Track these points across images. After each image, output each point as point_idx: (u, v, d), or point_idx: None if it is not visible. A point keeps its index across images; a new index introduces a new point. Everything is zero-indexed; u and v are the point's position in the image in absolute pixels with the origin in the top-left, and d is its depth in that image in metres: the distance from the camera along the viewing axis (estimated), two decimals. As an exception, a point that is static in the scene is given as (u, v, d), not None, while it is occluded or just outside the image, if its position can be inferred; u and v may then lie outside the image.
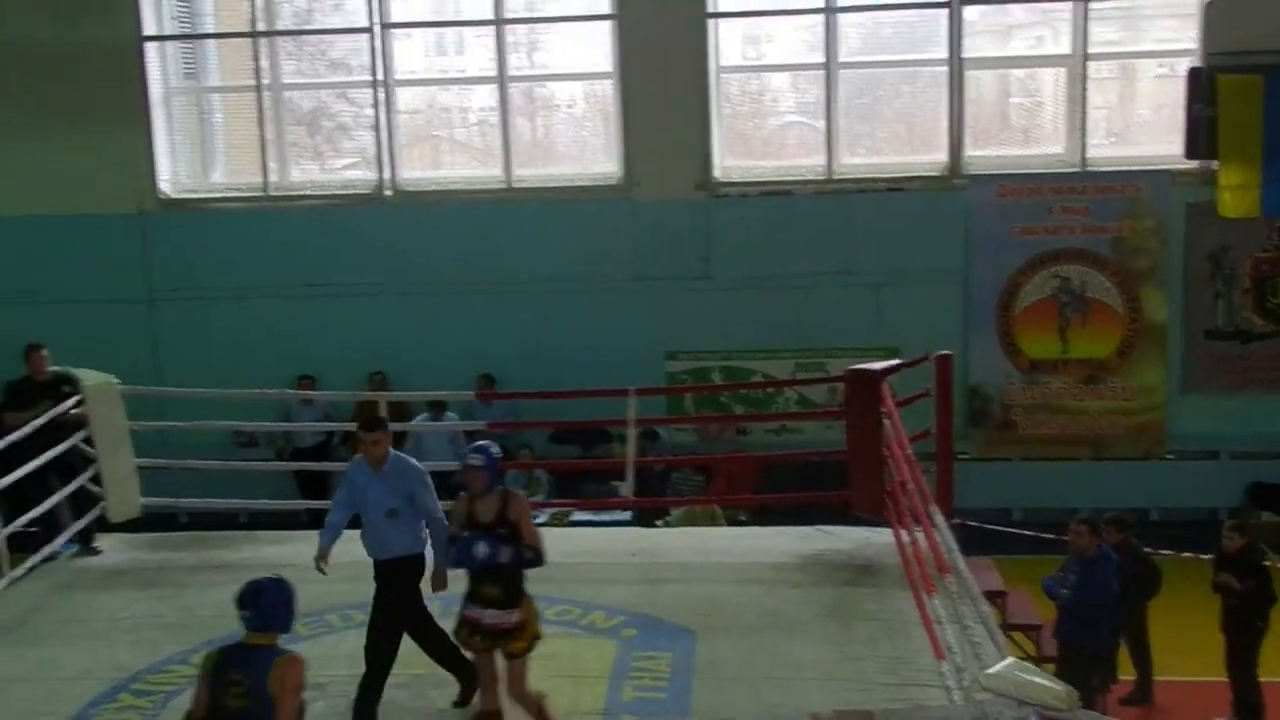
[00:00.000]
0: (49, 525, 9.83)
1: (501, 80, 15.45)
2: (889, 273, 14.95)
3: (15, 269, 15.53)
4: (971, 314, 15.09)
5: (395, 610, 7.42)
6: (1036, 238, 14.91)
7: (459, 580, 7.22)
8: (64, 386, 9.98)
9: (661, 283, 15.22)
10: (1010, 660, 5.01)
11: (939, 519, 7.35)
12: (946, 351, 10.07)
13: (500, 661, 7.05)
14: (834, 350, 14.81)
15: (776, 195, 15.24)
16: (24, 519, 9.40)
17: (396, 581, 7.43)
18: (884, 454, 9.34)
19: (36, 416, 9.57)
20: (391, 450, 7.59)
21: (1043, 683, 4.80)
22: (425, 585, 7.52)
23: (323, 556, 7.65)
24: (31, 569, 9.52)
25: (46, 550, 9.69)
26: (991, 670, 4.89)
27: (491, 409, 13.69)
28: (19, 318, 13.94)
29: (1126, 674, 10.68)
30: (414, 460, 7.72)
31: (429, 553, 7.56)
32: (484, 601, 6.95)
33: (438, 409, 13.65)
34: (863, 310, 15.03)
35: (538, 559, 6.96)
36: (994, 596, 10.26)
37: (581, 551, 10.07)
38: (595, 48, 15.50)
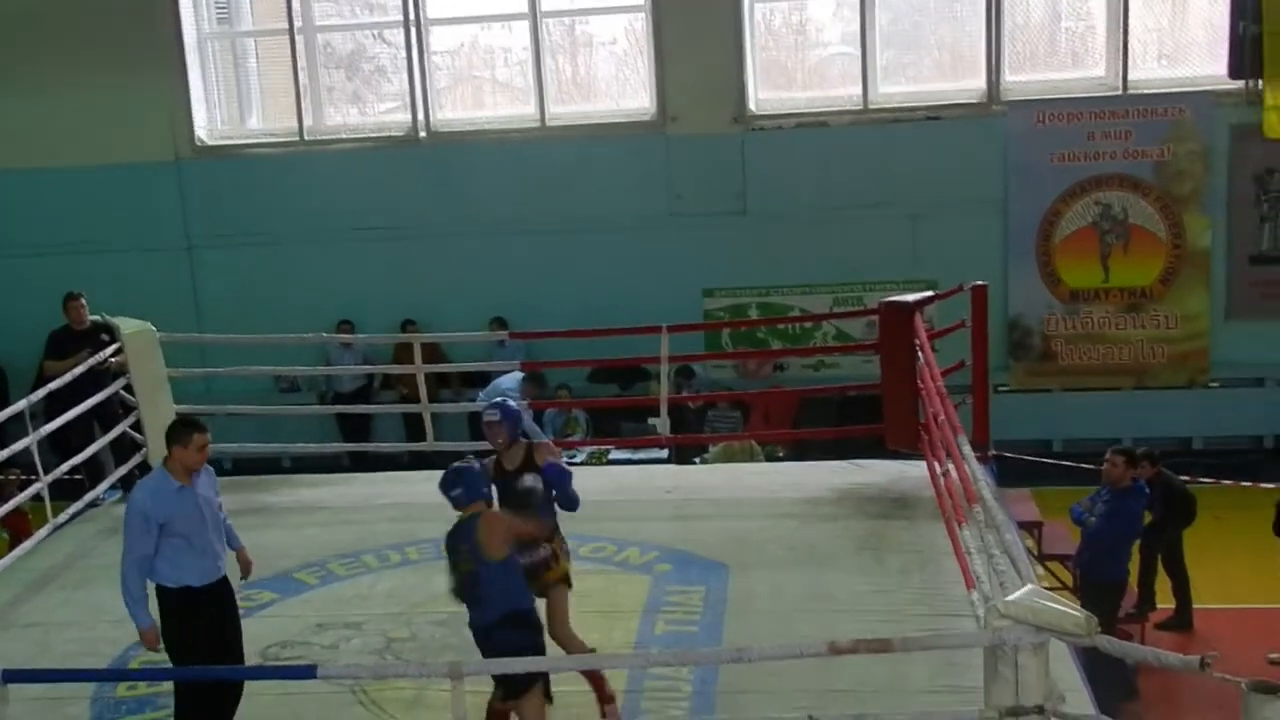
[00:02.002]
0: (92, 472, 9.99)
1: (534, 17, 15.36)
2: (927, 203, 14.81)
3: (55, 220, 15.70)
4: (1011, 244, 14.93)
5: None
6: (1077, 164, 14.70)
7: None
8: (103, 335, 10.08)
9: (697, 219, 15.16)
10: (1030, 588, 5.00)
11: (967, 450, 7.31)
12: (981, 282, 9.99)
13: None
14: (872, 284, 14.74)
15: (812, 127, 15.11)
16: (67, 465, 9.54)
17: (232, 600, 6.72)
18: (918, 387, 9.31)
19: (76, 365, 9.68)
20: None
21: (1060, 609, 4.79)
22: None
23: (156, 637, 6.45)
24: (75, 515, 9.69)
25: (90, 496, 9.84)
26: (1010, 598, 4.88)
27: (505, 350, 13.77)
28: (59, 268, 14.09)
29: (1165, 602, 10.64)
30: None
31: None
32: None
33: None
34: (900, 242, 14.91)
35: (567, 499, 6.93)
36: (1030, 527, 10.28)
37: (617, 489, 10.14)
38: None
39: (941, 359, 9.24)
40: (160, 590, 6.39)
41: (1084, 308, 14.97)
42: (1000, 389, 13.97)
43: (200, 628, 6.40)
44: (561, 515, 7.06)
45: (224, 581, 6.58)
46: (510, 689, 6.11)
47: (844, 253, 15.00)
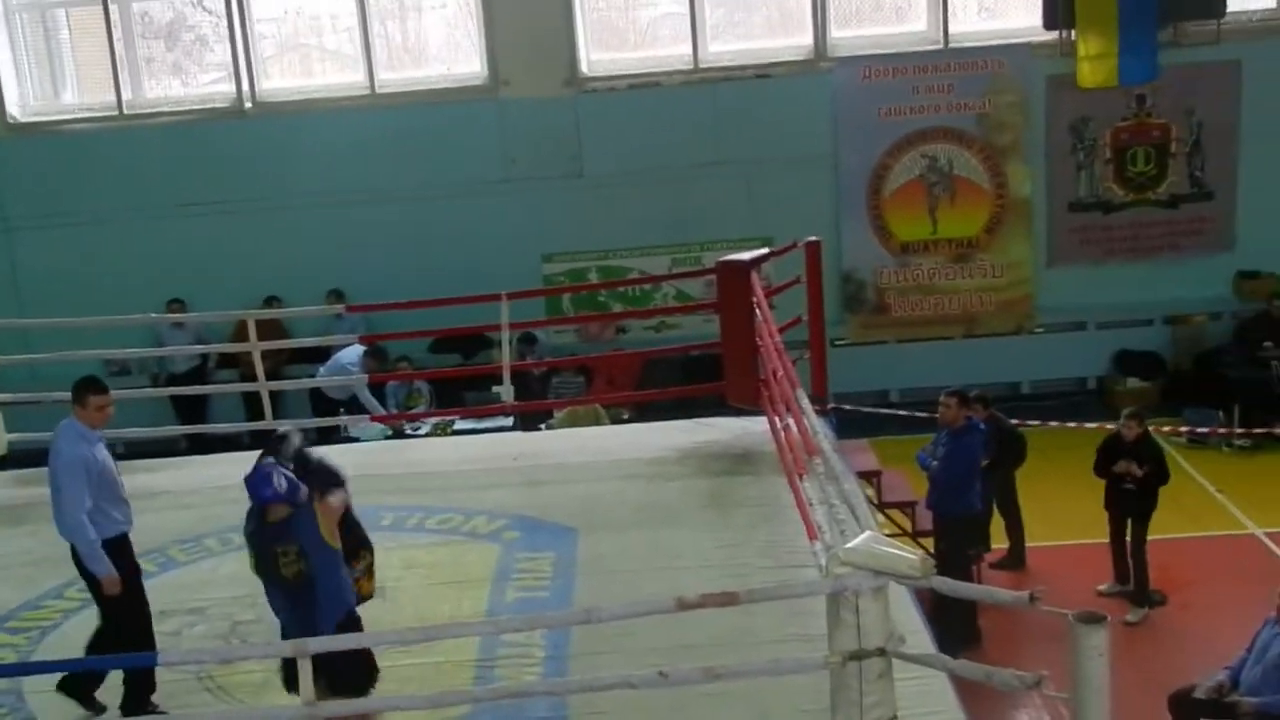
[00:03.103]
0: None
1: (358, -18, 15.07)
2: (759, 161, 15.00)
3: None
4: (842, 199, 15.23)
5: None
6: (903, 118, 15.04)
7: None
8: (-86, 324, 9.66)
9: (534, 183, 15.11)
10: (868, 534, 5.13)
11: (805, 403, 7.45)
12: (815, 238, 10.15)
13: None
14: (709, 243, 14.87)
15: (645, 88, 15.15)
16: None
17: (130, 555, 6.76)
18: (757, 344, 9.43)
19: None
20: None
21: (896, 553, 4.93)
22: None
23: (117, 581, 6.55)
24: (-104, 512, 9.28)
25: (-90, 494, 9.44)
26: (849, 545, 5.00)
27: (343, 322, 13.58)
28: None
29: (1000, 542, 11.02)
30: None
31: None
32: None
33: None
34: (735, 201, 15.08)
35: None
36: (869, 476, 10.52)
37: (463, 459, 10.11)
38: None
39: (779, 315, 9.34)
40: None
41: (914, 259, 15.36)
42: (837, 343, 14.26)
43: (129, 576, 6.54)
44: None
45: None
46: (346, 689, 5.71)
47: (680, 213, 15.11)
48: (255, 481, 5.80)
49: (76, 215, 15.12)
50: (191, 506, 9.38)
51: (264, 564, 5.84)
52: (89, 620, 7.37)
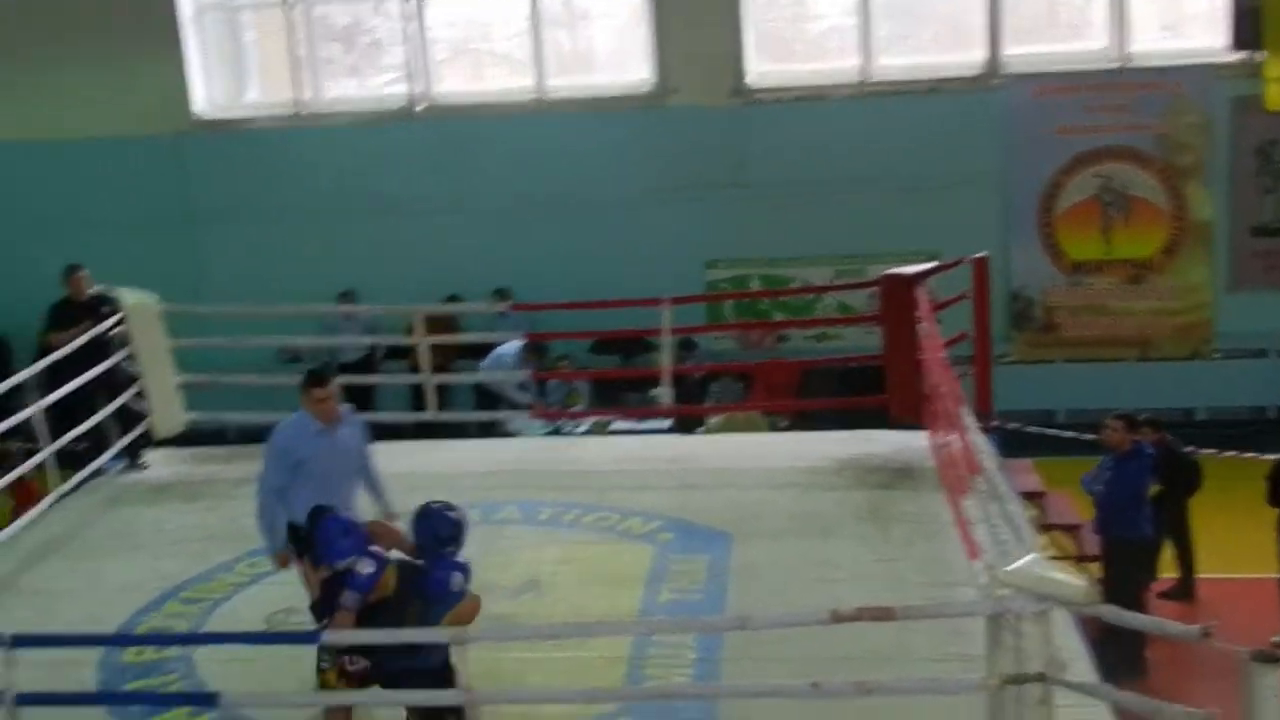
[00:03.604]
0: (96, 442, 10.00)
1: (532, -11, 15.32)
2: (927, 176, 14.78)
3: (56, 192, 15.69)
4: (1011, 216, 14.94)
5: None
6: (1077, 137, 14.69)
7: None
8: (104, 306, 10.08)
9: (699, 191, 15.15)
10: (1032, 556, 5.03)
11: (970, 420, 7.33)
12: (983, 254, 9.99)
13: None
14: (874, 256, 14.68)
15: (811, 100, 15.08)
16: (71, 435, 9.56)
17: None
18: (920, 358, 9.31)
19: (77, 337, 9.69)
20: None
21: (1061, 578, 4.82)
22: None
23: (284, 560, 6.68)
24: (79, 485, 9.70)
25: (94, 466, 9.86)
26: (1011, 567, 4.90)
27: (507, 320, 13.79)
28: (61, 240, 14.06)
29: (1169, 572, 10.67)
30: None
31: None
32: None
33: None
34: (901, 215, 14.89)
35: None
36: (1033, 497, 10.28)
37: (620, 459, 10.19)
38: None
39: (943, 331, 9.23)
40: (290, 527, 6.51)
41: (1086, 279, 14.98)
42: (1002, 360, 13.99)
43: None
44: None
45: None
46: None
47: (845, 225, 14.99)
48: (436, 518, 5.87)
49: (255, 209, 15.65)
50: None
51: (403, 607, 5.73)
52: (258, 595, 7.66)
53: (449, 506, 5.91)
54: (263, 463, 6.65)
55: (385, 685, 5.69)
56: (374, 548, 5.72)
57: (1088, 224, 14.86)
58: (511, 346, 12.69)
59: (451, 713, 5.56)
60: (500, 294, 14.43)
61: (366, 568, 5.62)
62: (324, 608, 5.90)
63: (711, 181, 15.12)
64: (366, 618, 5.67)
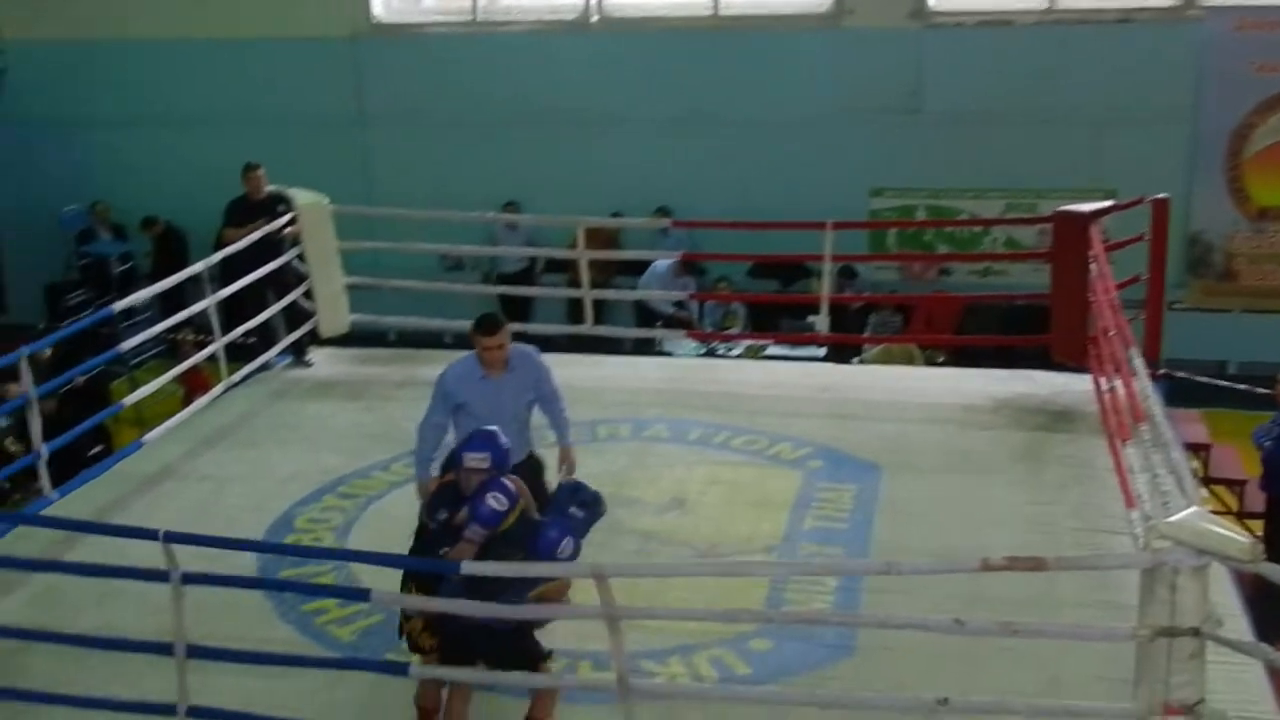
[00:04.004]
0: (265, 337, 10.35)
1: (713, -99, 15.08)
2: (1111, 110, 14.23)
3: (234, 91, 16.10)
4: (1197, 157, 14.29)
5: None
6: (1277, 76, 13.93)
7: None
8: (279, 205, 10.35)
9: (869, 116, 14.84)
10: (1193, 509, 4.85)
11: (1139, 366, 7.09)
12: (1164, 195, 9.61)
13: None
14: (1047, 191, 14.21)
15: (994, 26, 14.60)
16: (241, 330, 9.89)
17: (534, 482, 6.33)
18: (1089, 299, 9.05)
19: (252, 233, 9.97)
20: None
21: (1224, 533, 4.64)
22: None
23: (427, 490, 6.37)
24: (248, 377, 10.06)
25: (262, 360, 10.20)
26: (1172, 518, 4.74)
27: (668, 238, 13.75)
28: (237, 139, 14.45)
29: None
30: (526, 346, 6.76)
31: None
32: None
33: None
34: (1080, 150, 14.38)
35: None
36: (1197, 449, 9.95)
37: (773, 384, 10.13)
38: None
39: (1116, 273, 8.92)
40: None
41: (1272, 227, 14.31)
42: (1175, 306, 13.46)
43: None
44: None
45: None
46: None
47: (1020, 158, 14.53)
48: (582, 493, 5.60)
49: (426, 115, 15.82)
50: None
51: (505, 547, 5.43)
52: (410, 493, 7.78)
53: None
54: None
55: (453, 639, 5.46)
56: (510, 481, 5.52)
57: (1278, 169, 14.15)
58: (664, 263, 12.69)
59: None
60: (662, 212, 14.41)
61: (499, 503, 5.41)
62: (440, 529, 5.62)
63: (883, 106, 14.79)
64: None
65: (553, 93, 15.52)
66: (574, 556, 5.38)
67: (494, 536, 5.39)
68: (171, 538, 5.44)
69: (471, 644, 5.41)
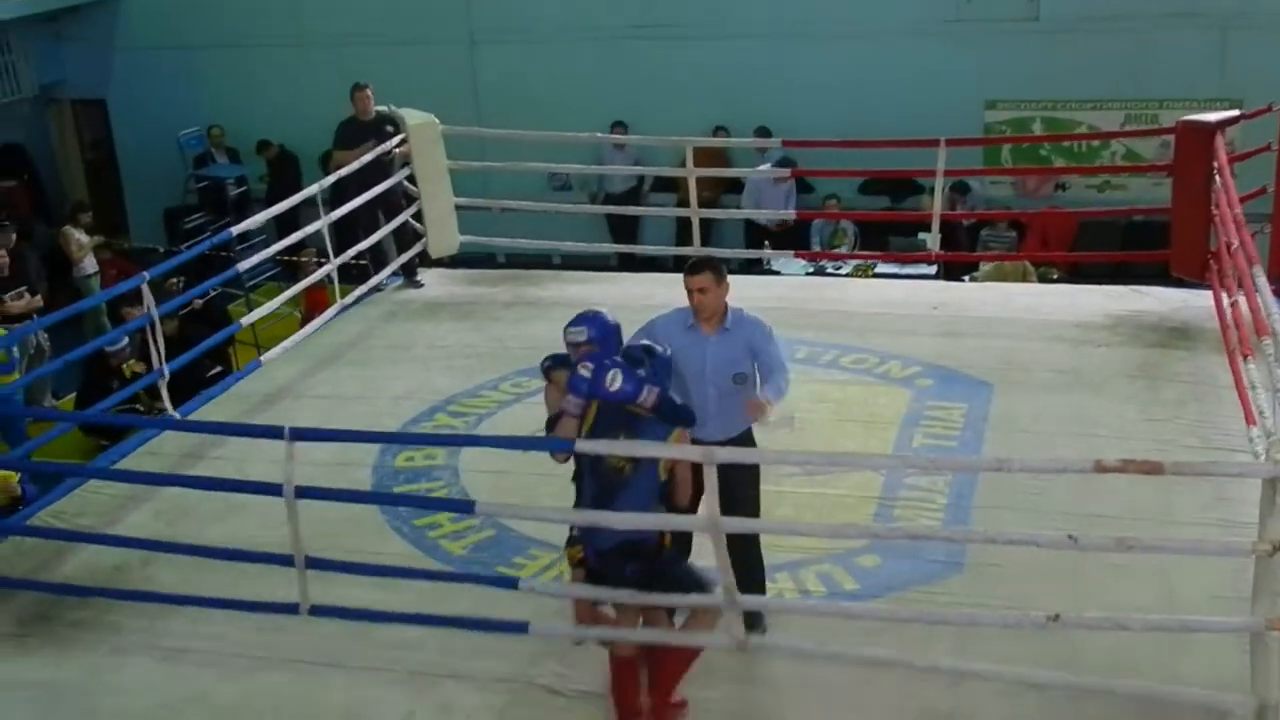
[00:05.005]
0: (376, 258, 10.49)
1: None
2: (1239, 14, 13.68)
3: (341, 11, 16.19)
4: (1332, 62, 13.69)
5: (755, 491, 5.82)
6: None
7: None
8: (388, 126, 10.42)
9: (984, 24, 14.43)
10: (1318, 424, 4.74)
11: (1261, 280, 6.88)
12: (1293, 103, 9.27)
13: None
14: (1169, 101, 13.77)
15: (1117, -76, 14.08)
16: (353, 251, 10.03)
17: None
18: (1211, 213, 8.78)
19: (362, 155, 10.06)
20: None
21: (1349, 448, 4.53)
22: None
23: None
24: (360, 298, 10.21)
25: (373, 281, 10.34)
26: (1296, 434, 4.64)
27: (777, 155, 13.57)
28: (345, 59, 14.58)
29: None
30: (756, 317, 6.03)
31: None
32: None
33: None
34: (1206, 56, 13.85)
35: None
36: (1323, 366, 9.65)
37: (882, 302, 10.02)
38: None
39: (1240, 185, 8.64)
40: None
41: None
42: (1302, 220, 13.02)
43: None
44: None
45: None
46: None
47: (1141, 66, 14.05)
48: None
49: (535, 32, 15.77)
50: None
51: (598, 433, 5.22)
52: (521, 412, 7.94)
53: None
54: None
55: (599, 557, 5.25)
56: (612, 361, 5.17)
57: None
58: (761, 174, 12.57)
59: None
60: (761, 131, 14.17)
61: (588, 371, 5.11)
62: None
63: (998, 14, 14.37)
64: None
65: (660, 8, 15.34)
66: (662, 401, 5.14)
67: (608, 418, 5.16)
68: (297, 434, 5.58)
69: (619, 561, 5.18)
